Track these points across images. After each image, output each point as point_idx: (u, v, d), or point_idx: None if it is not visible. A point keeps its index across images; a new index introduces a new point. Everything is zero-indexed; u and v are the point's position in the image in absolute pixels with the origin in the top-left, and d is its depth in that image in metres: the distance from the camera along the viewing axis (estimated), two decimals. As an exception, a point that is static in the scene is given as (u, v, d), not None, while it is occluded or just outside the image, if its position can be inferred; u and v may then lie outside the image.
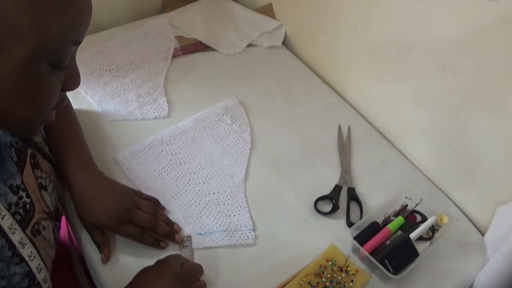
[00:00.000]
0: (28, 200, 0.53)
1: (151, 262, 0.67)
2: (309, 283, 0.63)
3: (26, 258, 0.50)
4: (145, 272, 0.58)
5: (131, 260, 0.67)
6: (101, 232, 0.66)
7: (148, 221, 0.66)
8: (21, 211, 0.51)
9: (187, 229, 0.71)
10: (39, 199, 0.56)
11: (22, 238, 0.50)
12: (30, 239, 0.52)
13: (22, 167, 0.55)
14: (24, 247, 0.50)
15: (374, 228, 0.70)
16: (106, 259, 0.65)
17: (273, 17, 1.10)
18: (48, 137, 0.68)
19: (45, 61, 0.40)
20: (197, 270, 0.62)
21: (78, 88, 0.89)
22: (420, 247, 0.69)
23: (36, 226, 0.54)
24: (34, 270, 0.51)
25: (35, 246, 0.52)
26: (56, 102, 0.46)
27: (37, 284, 0.52)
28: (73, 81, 0.47)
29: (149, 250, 0.68)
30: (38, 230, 0.54)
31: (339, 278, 0.64)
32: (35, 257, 0.52)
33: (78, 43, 0.43)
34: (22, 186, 0.53)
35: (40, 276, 0.53)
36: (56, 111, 0.69)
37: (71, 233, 0.74)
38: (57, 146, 0.68)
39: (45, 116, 0.46)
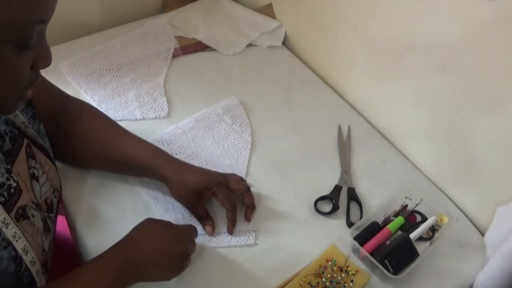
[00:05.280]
0: (14, 185, 0.52)
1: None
2: (309, 283, 0.63)
3: (11, 239, 0.50)
4: (147, 223, 0.62)
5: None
6: (202, 205, 0.70)
7: (243, 185, 0.72)
8: (5, 193, 0.51)
9: (187, 229, 0.71)
10: (28, 189, 0.56)
11: (5, 218, 0.50)
12: (13, 222, 0.51)
13: (15, 155, 0.55)
14: (7, 227, 0.50)
15: (374, 228, 0.70)
16: (212, 230, 0.70)
17: (273, 17, 1.10)
18: (107, 150, 0.71)
19: (9, 43, 0.40)
20: (193, 231, 0.66)
21: (78, 88, 0.91)
22: (420, 247, 0.69)
23: (20, 211, 0.53)
24: (20, 252, 0.51)
25: (19, 228, 0.52)
26: (28, 81, 0.46)
27: (25, 269, 0.52)
28: (43, 60, 0.46)
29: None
30: (22, 215, 0.53)
31: (339, 278, 0.64)
32: (20, 238, 0.51)
33: (44, 21, 0.42)
34: (6, 175, 0.52)
35: (27, 258, 0.52)
36: (96, 124, 0.71)
37: (72, 234, 0.74)
38: (126, 154, 0.70)
39: (17, 95, 0.46)
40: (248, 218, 0.73)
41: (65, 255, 0.80)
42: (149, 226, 0.62)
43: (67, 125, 0.71)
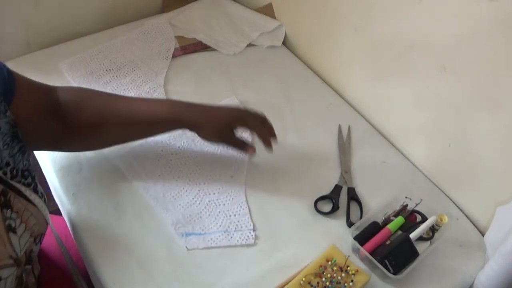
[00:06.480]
0: None
1: (152, 262, 0.67)
2: (309, 283, 0.63)
3: None
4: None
5: (131, 260, 0.67)
6: (235, 136, 0.76)
7: (261, 115, 0.76)
8: None
9: (187, 228, 0.71)
10: (5, 243, 0.51)
11: None
12: None
13: None
14: None
15: (374, 228, 0.70)
16: (254, 150, 0.77)
17: (273, 17, 1.10)
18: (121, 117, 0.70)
19: None
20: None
21: (78, 88, 0.91)
22: (420, 247, 0.69)
23: None
24: None
25: None
26: None
27: None
28: None
29: (149, 251, 0.68)
30: None
31: (339, 278, 0.64)
32: None
33: None
34: None
35: None
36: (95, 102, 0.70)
37: (72, 235, 0.74)
38: (147, 113, 0.71)
39: None
40: (270, 143, 0.77)
41: (73, 255, 0.80)
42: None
43: (72, 116, 0.68)
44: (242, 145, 0.77)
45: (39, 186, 0.60)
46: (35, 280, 0.60)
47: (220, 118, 0.72)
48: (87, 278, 0.76)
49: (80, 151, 0.77)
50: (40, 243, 0.60)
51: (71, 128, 0.68)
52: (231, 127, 0.74)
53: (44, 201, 0.60)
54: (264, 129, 0.75)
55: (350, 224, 0.74)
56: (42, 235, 0.59)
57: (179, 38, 1.06)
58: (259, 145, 0.86)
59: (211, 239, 0.70)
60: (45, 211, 0.59)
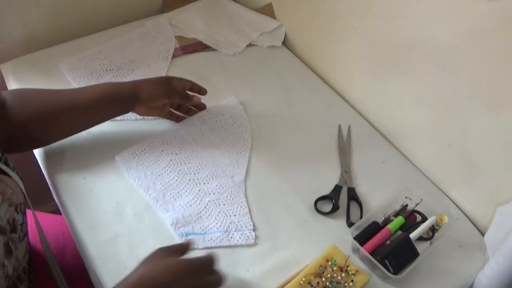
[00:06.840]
0: None
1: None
2: (309, 283, 0.64)
3: None
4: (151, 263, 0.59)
5: (131, 260, 0.67)
6: (176, 90, 0.80)
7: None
8: None
9: (187, 228, 0.71)
10: None
11: None
12: None
13: None
14: None
15: (374, 228, 0.70)
16: (199, 97, 0.85)
17: (273, 17, 1.10)
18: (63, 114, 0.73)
19: None
20: (210, 261, 0.61)
21: (78, 88, 0.91)
22: (420, 247, 0.69)
23: None
24: None
25: None
26: None
27: None
28: None
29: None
30: None
31: (339, 278, 0.64)
32: None
33: None
34: None
35: None
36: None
37: (72, 234, 0.74)
38: (88, 97, 0.74)
39: None
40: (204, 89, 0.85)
41: (69, 253, 0.80)
42: (168, 265, 0.58)
43: (19, 113, 0.69)
44: (186, 98, 0.83)
45: (8, 160, 0.62)
46: (28, 279, 0.60)
47: (156, 78, 0.80)
48: (87, 277, 0.76)
49: (33, 148, 0.79)
50: (22, 213, 0.63)
51: (20, 125, 0.69)
52: (169, 81, 0.79)
53: (17, 173, 0.63)
54: (195, 83, 0.83)
55: (350, 224, 0.74)
56: (21, 204, 0.63)
57: (179, 38, 1.06)
58: (259, 138, 0.86)
59: (211, 239, 0.70)
60: (19, 181, 0.62)
